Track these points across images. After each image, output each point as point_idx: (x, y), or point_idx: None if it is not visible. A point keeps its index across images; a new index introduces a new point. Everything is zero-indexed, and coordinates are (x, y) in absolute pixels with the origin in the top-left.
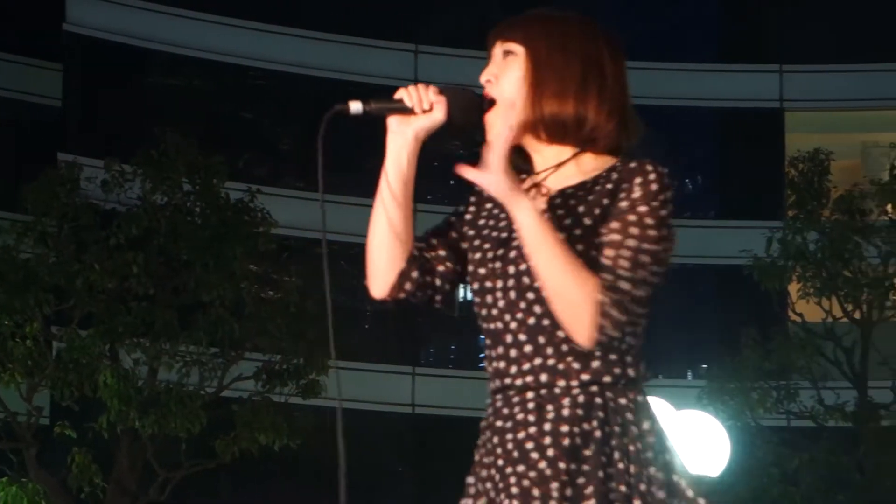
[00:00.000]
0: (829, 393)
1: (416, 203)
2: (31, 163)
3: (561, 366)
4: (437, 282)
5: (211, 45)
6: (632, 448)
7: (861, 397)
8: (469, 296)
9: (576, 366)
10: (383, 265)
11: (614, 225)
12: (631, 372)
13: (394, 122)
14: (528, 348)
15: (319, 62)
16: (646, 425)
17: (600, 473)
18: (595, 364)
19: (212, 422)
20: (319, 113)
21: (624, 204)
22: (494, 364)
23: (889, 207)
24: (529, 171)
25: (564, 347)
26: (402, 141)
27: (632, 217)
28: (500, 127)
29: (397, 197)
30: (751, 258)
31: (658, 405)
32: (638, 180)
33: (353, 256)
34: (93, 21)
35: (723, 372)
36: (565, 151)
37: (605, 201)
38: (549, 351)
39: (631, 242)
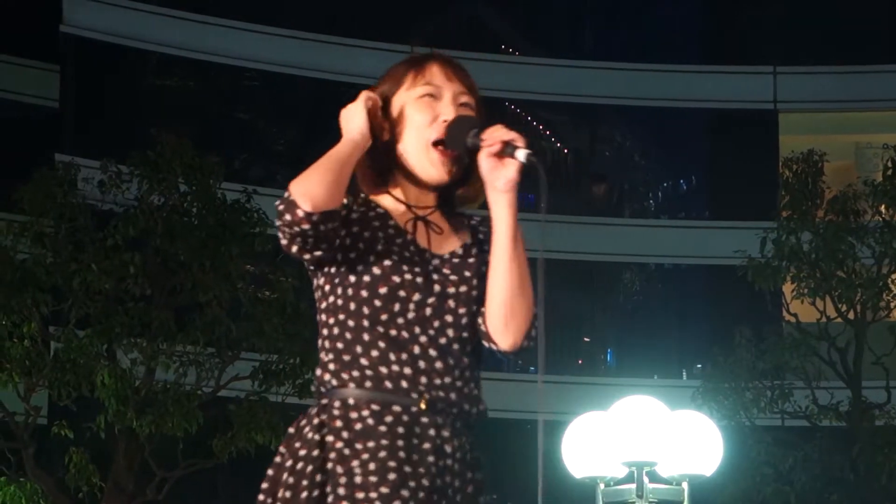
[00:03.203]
0: (823, 393)
1: None
2: (28, 164)
3: (466, 389)
4: (325, 245)
5: (207, 46)
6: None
7: (855, 397)
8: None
9: (475, 392)
10: (340, 187)
11: None
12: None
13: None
14: (438, 365)
15: (315, 63)
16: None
17: None
18: (482, 396)
19: (209, 421)
20: (315, 113)
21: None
22: (395, 367)
23: (883, 208)
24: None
25: (467, 373)
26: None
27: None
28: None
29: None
30: (745, 258)
31: (653, 405)
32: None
33: None
34: (89, 22)
35: (717, 372)
36: (440, 197)
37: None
38: (457, 373)
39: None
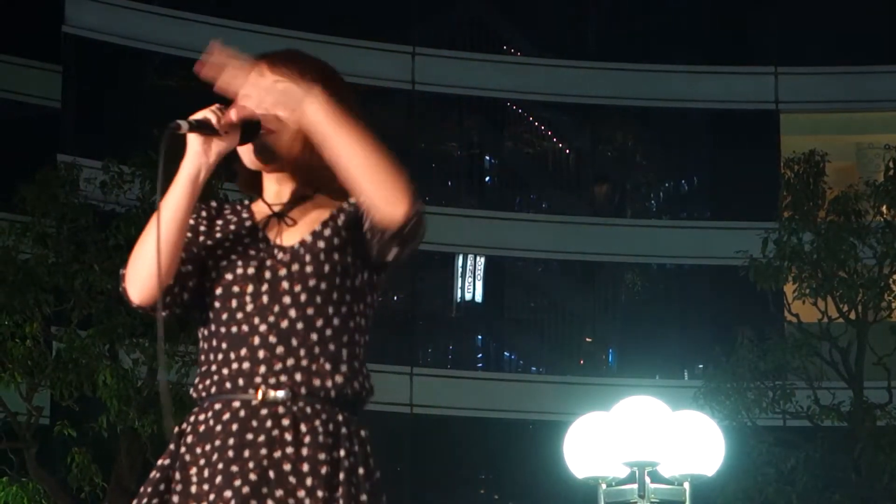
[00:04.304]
0: (824, 393)
1: None
2: (30, 164)
3: (314, 367)
4: (186, 296)
5: (208, 46)
6: (367, 483)
7: (856, 397)
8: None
9: (328, 367)
10: (152, 277)
11: None
12: (368, 385)
13: (199, 143)
14: (279, 350)
15: None
16: (373, 461)
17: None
18: (343, 368)
19: None
20: None
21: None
22: (235, 365)
23: (884, 209)
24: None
25: (316, 350)
26: (205, 161)
27: None
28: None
29: (186, 213)
30: (747, 259)
31: (655, 405)
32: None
33: None
34: (91, 23)
35: (719, 372)
36: (305, 190)
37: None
38: (302, 353)
39: None
